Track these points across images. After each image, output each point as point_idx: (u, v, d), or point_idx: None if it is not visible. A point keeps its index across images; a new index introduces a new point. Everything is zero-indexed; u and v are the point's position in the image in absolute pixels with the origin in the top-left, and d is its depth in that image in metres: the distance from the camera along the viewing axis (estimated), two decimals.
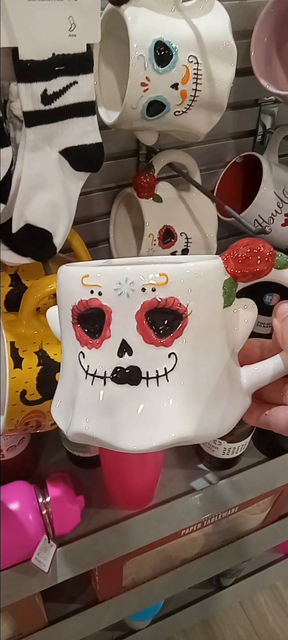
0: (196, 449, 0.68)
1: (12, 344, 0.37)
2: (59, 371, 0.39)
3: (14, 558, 0.50)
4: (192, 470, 0.68)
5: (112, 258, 0.64)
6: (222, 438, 0.62)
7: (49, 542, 0.50)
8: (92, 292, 0.20)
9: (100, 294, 0.20)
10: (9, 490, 0.52)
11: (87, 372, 0.21)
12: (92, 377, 0.21)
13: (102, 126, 0.45)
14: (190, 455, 0.69)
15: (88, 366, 0.21)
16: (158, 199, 0.60)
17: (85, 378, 0.21)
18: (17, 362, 0.37)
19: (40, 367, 0.38)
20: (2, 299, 0.44)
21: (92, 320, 0.21)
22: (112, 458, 0.55)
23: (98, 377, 0.21)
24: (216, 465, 0.66)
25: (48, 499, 0.52)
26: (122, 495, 0.60)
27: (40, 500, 0.51)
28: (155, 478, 0.62)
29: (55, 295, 0.42)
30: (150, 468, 0.60)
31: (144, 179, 0.58)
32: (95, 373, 0.21)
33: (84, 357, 0.21)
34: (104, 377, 0.21)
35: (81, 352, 0.22)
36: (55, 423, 0.41)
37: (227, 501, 0.67)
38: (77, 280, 0.21)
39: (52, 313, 0.25)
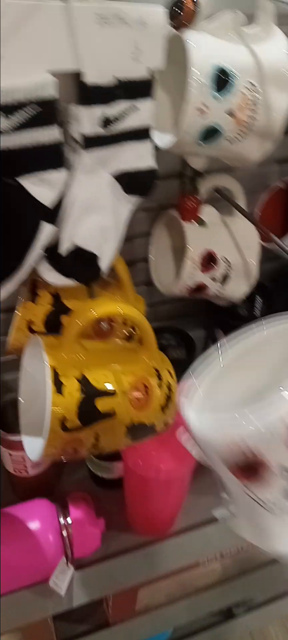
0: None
1: (54, 369, 0.36)
2: (98, 397, 0.39)
3: (31, 578, 0.49)
4: (214, 498, 0.66)
5: (151, 278, 0.63)
6: None
7: (67, 564, 0.49)
8: (236, 440, 0.21)
9: (244, 438, 0.21)
10: (31, 508, 0.51)
11: (258, 502, 0.22)
12: (266, 505, 0.21)
13: None
14: (213, 483, 0.68)
15: (257, 496, 0.22)
16: (201, 223, 0.58)
17: (260, 506, 0.21)
18: (58, 388, 0.36)
19: (80, 394, 0.37)
20: (41, 318, 0.44)
21: (245, 463, 0.21)
22: (137, 484, 0.54)
23: (274, 505, 0.21)
24: None
25: (69, 520, 0.51)
26: (143, 521, 0.59)
27: (61, 520, 0.50)
28: (179, 507, 0.60)
29: (98, 321, 0.41)
30: (175, 497, 0.58)
31: (189, 202, 0.56)
32: (269, 503, 0.21)
33: (248, 489, 0.22)
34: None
35: (244, 486, 0.22)
36: (92, 448, 0.41)
37: None
38: (220, 431, 0.22)
39: (189, 440, 0.25)
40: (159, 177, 0.60)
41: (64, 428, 0.36)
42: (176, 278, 0.59)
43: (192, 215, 0.57)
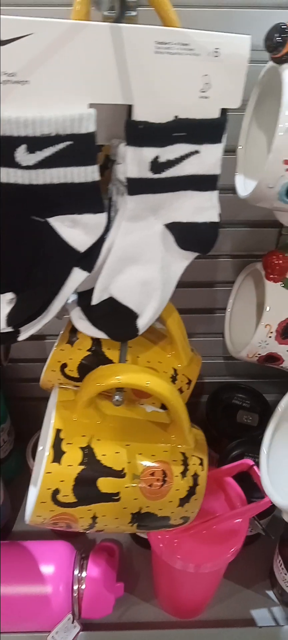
0: (270, 572, 0.56)
1: (57, 432, 0.33)
2: (102, 475, 0.34)
3: (31, 624, 0.46)
4: (258, 594, 0.57)
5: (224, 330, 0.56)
6: None
7: (72, 622, 0.45)
8: None
9: None
10: (50, 549, 0.48)
11: None
12: None
13: None
14: (261, 575, 0.57)
15: None
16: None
17: None
18: (57, 455, 0.32)
19: (82, 467, 0.32)
20: (77, 362, 0.40)
21: None
22: (160, 566, 0.48)
23: None
24: (287, 602, 0.54)
25: (84, 574, 0.47)
26: (168, 600, 0.53)
27: (76, 572, 0.47)
28: (209, 595, 0.52)
29: (120, 389, 0.36)
30: (203, 589, 0.51)
31: (276, 259, 0.47)
32: None
33: None
34: None
35: None
36: (88, 528, 0.36)
37: None
38: None
39: None
40: (254, 224, 0.52)
41: (56, 501, 0.32)
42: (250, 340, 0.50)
43: (279, 274, 0.48)
